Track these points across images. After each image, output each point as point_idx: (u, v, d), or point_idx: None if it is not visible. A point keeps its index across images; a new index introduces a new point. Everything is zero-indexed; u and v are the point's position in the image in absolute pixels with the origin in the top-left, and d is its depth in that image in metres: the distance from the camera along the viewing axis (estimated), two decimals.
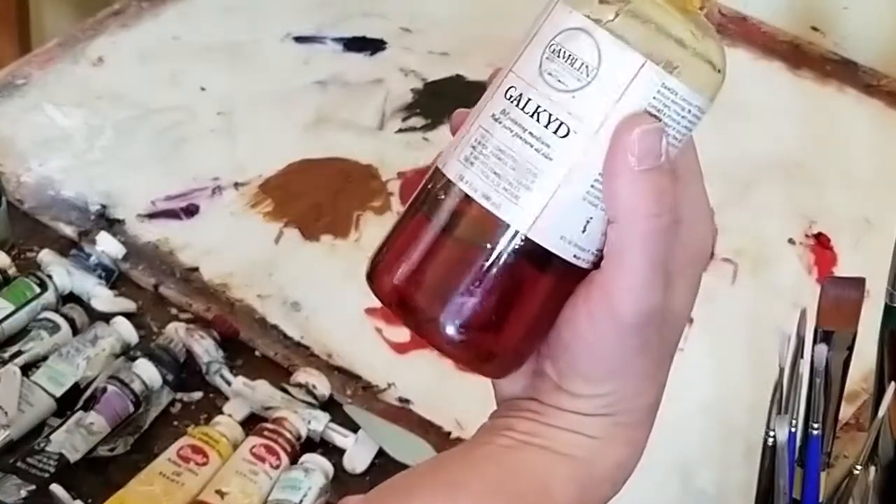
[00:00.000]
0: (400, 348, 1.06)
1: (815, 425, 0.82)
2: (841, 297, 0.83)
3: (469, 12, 1.37)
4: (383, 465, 0.99)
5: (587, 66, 0.55)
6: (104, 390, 0.98)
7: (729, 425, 1.02)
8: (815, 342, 0.82)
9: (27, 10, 1.76)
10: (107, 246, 1.09)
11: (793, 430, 0.81)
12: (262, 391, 1.01)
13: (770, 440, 0.82)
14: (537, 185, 0.56)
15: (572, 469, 0.60)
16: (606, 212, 0.56)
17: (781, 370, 0.82)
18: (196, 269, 1.11)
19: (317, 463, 0.97)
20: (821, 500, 0.85)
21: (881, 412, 0.80)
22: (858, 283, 0.84)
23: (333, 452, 0.99)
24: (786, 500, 0.82)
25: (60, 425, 0.97)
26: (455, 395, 1.04)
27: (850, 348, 0.84)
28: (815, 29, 1.35)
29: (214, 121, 1.24)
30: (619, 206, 0.56)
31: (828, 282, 0.85)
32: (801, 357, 0.82)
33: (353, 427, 1.00)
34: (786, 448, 0.81)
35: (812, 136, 1.25)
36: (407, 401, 1.02)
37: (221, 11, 1.36)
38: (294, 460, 0.97)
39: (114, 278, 1.09)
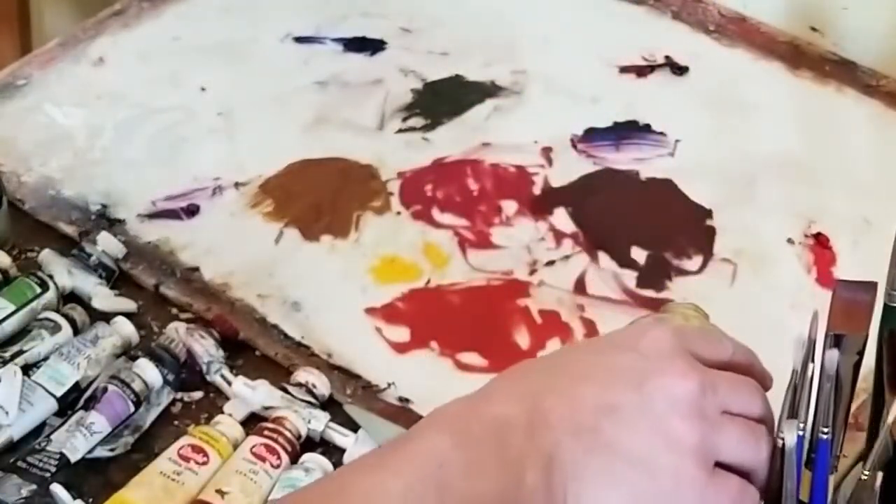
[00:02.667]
0: (400, 348, 1.06)
1: (825, 429, 0.82)
2: (852, 301, 0.83)
3: (469, 12, 1.37)
4: None
5: None
6: (105, 390, 0.98)
7: None
8: (825, 345, 0.82)
9: (28, 10, 1.76)
10: (107, 246, 1.10)
11: (800, 433, 0.82)
12: (262, 391, 1.01)
13: (780, 442, 0.82)
14: None
15: None
16: None
17: (795, 372, 0.82)
18: (196, 269, 1.11)
19: (317, 462, 0.97)
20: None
21: (891, 418, 0.81)
22: (870, 287, 0.84)
23: (334, 452, 0.99)
24: (793, 503, 0.82)
25: (61, 425, 0.97)
26: (455, 394, 1.03)
27: (861, 352, 0.84)
28: (814, 29, 1.35)
29: (215, 121, 1.24)
30: None
31: (839, 285, 0.85)
32: (811, 360, 0.82)
33: (354, 426, 1.00)
34: (794, 451, 0.81)
35: (811, 137, 1.25)
36: (407, 400, 1.03)
37: (222, 12, 1.36)
38: (294, 460, 0.97)
39: (114, 278, 1.09)
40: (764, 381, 0.81)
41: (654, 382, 0.72)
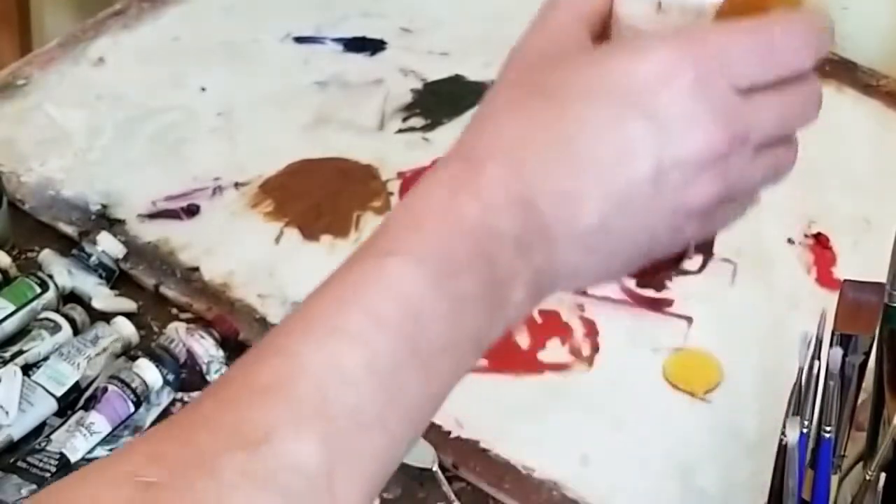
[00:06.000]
0: None
1: (828, 428, 0.82)
2: (859, 302, 0.83)
3: (469, 12, 1.37)
4: None
5: None
6: (105, 390, 0.98)
7: (728, 424, 1.02)
8: (831, 345, 0.82)
9: (28, 11, 1.76)
10: (107, 246, 1.10)
11: (804, 431, 0.82)
12: None
13: (783, 441, 0.82)
14: None
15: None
16: None
17: (801, 370, 0.82)
18: (196, 269, 1.11)
19: None
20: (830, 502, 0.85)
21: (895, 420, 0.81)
22: (877, 288, 0.84)
23: None
24: (795, 501, 0.83)
25: (61, 425, 0.97)
26: (455, 394, 1.03)
27: (867, 353, 0.84)
28: None
29: (215, 121, 1.24)
30: None
31: (846, 285, 0.85)
32: (818, 359, 0.82)
33: None
34: (796, 449, 0.81)
35: (811, 137, 1.24)
36: None
37: (222, 12, 1.36)
38: None
39: (114, 278, 1.10)
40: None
41: (671, 160, 0.61)
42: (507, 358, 1.06)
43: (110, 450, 0.98)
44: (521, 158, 0.60)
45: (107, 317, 1.06)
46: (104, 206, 1.16)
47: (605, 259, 0.62)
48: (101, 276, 1.09)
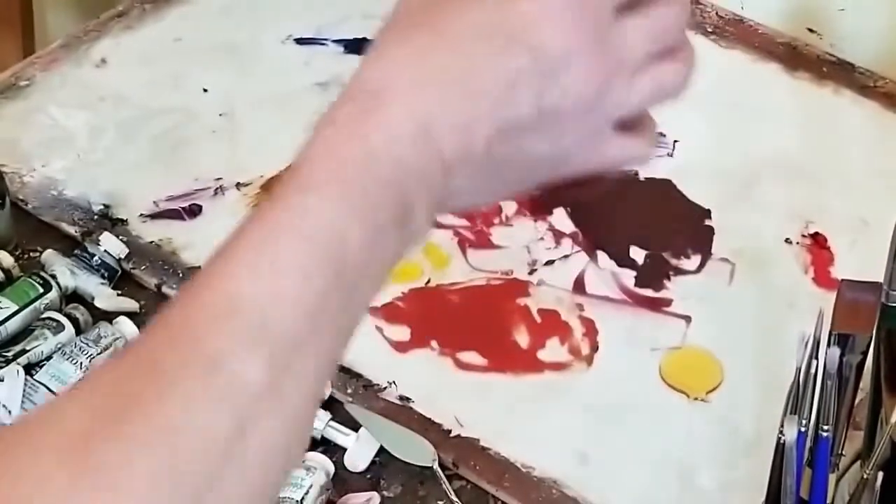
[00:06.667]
0: (400, 347, 1.07)
1: (826, 427, 0.82)
2: (856, 301, 0.84)
3: None
4: (384, 464, 0.99)
5: None
6: None
7: (726, 423, 1.03)
8: (829, 344, 0.82)
9: (31, 12, 1.76)
10: (110, 246, 1.10)
11: (802, 429, 0.82)
12: None
13: (781, 439, 0.83)
14: None
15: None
16: None
17: (798, 370, 0.82)
18: (198, 269, 1.12)
19: (318, 461, 0.98)
20: (828, 501, 0.86)
21: (893, 419, 0.81)
22: (874, 287, 0.84)
23: (335, 451, 1.00)
24: (793, 500, 0.83)
25: None
26: (455, 393, 1.04)
27: (865, 352, 0.84)
28: (811, 31, 1.35)
29: (216, 122, 1.25)
30: None
31: (843, 285, 0.85)
32: (816, 358, 0.83)
33: (354, 425, 1.00)
34: (794, 448, 0.81)
35: (809, 137, 1.25)
36: (407, 399, 1.03)
37: (223, 13, 1.36)
38: None
39: (117, 278, 1.10)
40: None
41: (553, 92, 0.64)
42: (506, 357, 1.06)
43: None
44: (418, 93, 0.64)
45: (109, 316, 1.06)
46: (106, 207, 1.16)
47: (491, 183, 0.66)
48: (103, 276, 1.09)
